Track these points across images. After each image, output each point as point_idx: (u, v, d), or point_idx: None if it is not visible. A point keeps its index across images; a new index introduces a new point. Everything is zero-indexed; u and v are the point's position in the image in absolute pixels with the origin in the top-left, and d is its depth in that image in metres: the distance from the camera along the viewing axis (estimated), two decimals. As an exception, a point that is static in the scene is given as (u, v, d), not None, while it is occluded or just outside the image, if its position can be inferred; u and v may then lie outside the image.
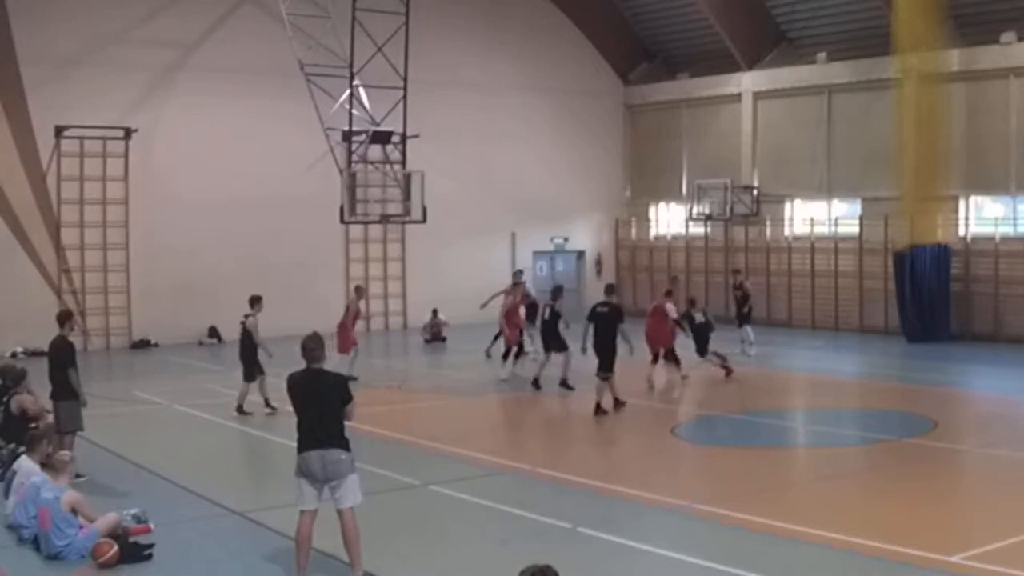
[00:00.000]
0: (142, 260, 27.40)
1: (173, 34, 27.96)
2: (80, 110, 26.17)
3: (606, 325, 17.68)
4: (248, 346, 18.16)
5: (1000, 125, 26.60)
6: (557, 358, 20.09)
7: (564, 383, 19.69)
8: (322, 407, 9.11)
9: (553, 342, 20.13)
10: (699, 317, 22.07)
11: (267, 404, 17.78)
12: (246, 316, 18.31)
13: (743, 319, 25.17)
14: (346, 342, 21.15)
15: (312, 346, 9.30)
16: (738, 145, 32.59)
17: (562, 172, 34.22)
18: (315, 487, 9.08)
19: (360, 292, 23.05)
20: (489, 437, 16.84)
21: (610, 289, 19.43)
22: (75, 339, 26.60)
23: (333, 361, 20.93)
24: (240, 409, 17.86)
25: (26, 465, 11.27)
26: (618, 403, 17.88)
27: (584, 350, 18.27)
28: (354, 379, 20.86)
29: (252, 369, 17.98)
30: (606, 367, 17.59)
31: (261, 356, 17.98)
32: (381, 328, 31.36)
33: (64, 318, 13.72)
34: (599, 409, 17.51)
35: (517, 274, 24.52)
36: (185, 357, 25.67)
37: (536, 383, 19.98)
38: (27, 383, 13.98)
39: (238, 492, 12.57)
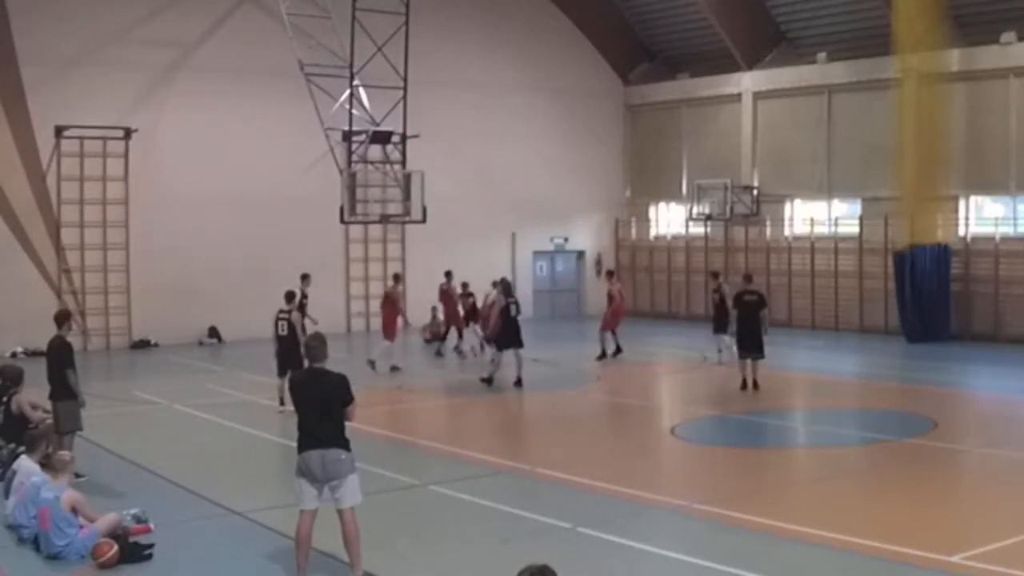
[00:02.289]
0: (142, 260, 27.40)
1: (173, 34, 27.97)
2: (80, 110, 26.17)
3: (754, 311, 19.41)
4: (291, 342, 17.62)
5: (1000, 125, 26.61)
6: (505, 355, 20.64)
7: (519, 382, 20.19)
8: (323, 407, 9.10)
9: (515, 339, 20.55)
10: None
11: (281, 402, 17.45)
12: (286, 312, 18.07)
13: (720, 326, 23.61)
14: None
15: (314, 344, 9.32)
16: (738, 145, 32.59)
17: (562, 172, 34.23)
18: (315, 487, 9.07)
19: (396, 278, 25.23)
20: (489, 437, 16.85)
21: (749, 278, 21.07)
22: (75, 339, 26.52)
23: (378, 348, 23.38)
24: (283, 402, 17.20)
25: (26, 465, 11.27)
26: (756, 385, 19.24)
27: (732, 334, 20.22)
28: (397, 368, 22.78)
29: (292, 365, 16.96)
30: (757, 349, 19.31)
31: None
32: (380, 328, 31.30)
33: (62, 318, 13.68)
34: (746, 385, 19.29)
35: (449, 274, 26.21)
36: (185, 357, 25.67)
37: (489, 381, 20.46)
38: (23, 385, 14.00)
39: (238, 492, 12.56)
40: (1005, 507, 11.62)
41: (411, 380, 21.82)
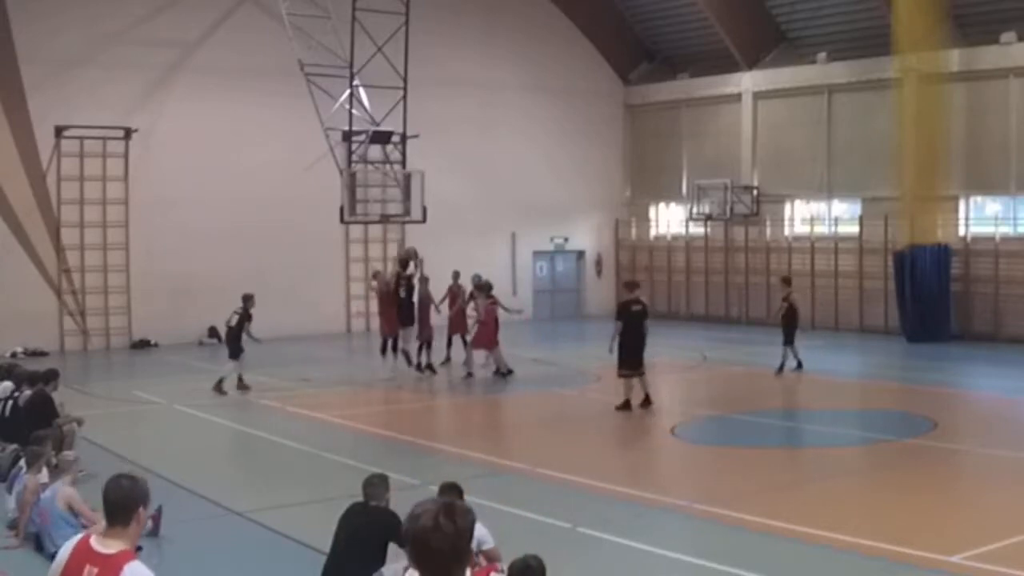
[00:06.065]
0: (142, 260, 27.37)
1: (173, 34, 27.95)
2: (80, 110, 26.15)
3: (640, 323, 17.80)
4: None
5: (1000, 125, 26.60)
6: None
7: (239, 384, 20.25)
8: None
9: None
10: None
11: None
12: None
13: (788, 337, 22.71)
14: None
15: (376, 482, 8.85)
16: (738, 145, 32.58)
17: (562, 172, 34.21)
18: None
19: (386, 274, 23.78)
20: (489, 437, 16.84)
21: (633, 285, 19.74)
22: (75, 339, 26.49)
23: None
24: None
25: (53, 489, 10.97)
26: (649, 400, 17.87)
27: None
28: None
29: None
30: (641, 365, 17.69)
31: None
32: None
33: (52, 376, 13.85)
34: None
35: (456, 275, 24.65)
36: (185, 357, 25.65)
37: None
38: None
39: (238, 492, 12.56)
40: (1005, 507, 11.63)
41: (411, 380, 21.77)
